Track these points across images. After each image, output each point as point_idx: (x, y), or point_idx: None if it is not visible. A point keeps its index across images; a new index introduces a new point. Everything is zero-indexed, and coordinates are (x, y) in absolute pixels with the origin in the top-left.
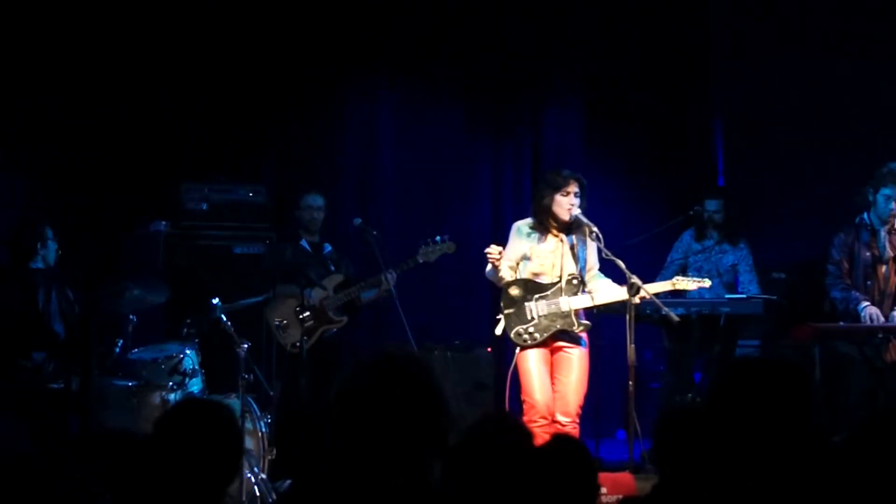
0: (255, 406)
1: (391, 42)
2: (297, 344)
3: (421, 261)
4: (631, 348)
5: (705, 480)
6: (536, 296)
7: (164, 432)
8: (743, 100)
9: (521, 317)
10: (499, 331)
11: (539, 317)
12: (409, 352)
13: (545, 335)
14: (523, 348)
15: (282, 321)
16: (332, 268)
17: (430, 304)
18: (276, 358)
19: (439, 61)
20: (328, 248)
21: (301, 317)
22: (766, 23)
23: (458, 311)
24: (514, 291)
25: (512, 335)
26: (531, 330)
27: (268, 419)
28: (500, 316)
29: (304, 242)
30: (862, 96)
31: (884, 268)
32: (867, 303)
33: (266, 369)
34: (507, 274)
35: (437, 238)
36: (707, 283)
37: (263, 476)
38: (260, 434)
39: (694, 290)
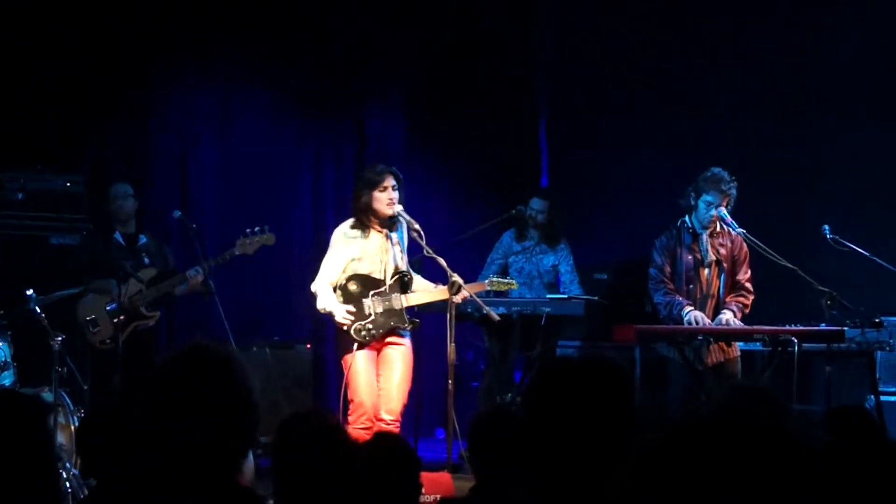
0: (68, 400)
1: (211, 34)
2: (108, 340)
3: (238, 252)
4: (451, 347)
5: (519, 481)
6: (372, 293)
7: None
8: (568, 101)
9: (360, 313)
10: (346, 326)
11: (376, 314)
12: (217, 345)
13: (381, 332)
14: (361, 345)
15: (92, 318)
16: (147, 260)
17: (251, 301)
18: (88, 353)
19: (260, 54)
20: (143, 239)
21: (111, 313)
22: (591, 25)
23: (279, 308)
24: (352, 287)
25: (352, 331)
26: (369, 326)
27: (81, 414)
28: None
29: (117, 235)
30: (684, 101)
31: (706, 271)
32: (690, 308)
33: (80, 363)
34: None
35: (256, 229)
36: (514, 284)
37: (75, 472)
38: (73, 429)
39: (515, 290)
